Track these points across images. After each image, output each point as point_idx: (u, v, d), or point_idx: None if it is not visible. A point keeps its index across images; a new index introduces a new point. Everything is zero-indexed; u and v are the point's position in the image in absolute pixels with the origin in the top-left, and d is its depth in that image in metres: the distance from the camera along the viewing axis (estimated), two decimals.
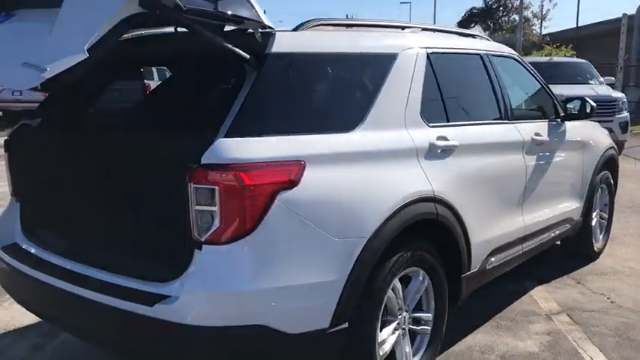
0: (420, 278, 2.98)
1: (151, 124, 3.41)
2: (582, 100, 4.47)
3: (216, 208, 2.19)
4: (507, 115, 3.79)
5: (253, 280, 2.23)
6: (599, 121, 10.88)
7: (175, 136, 2.54)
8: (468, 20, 45.56)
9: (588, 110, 4.45)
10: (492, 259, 3.54)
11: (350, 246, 2.47)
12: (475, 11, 45.86)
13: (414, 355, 3.02)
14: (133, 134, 3.08)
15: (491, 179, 3.47)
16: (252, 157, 2.23)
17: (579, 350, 3.52)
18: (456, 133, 3.21)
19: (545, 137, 4.07)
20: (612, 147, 5.25)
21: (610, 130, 11.01)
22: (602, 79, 12.89)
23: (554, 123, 4.36)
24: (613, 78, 12.99)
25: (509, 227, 3.70)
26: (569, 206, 4.55)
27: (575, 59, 16.27)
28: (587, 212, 4.87)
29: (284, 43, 2.53)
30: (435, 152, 3.03)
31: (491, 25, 44.63)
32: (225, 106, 2.39)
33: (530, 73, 4.39)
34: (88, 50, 2.01)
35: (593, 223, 5.13)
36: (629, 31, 22.67)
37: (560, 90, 11.54)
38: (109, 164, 2.84)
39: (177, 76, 4.18)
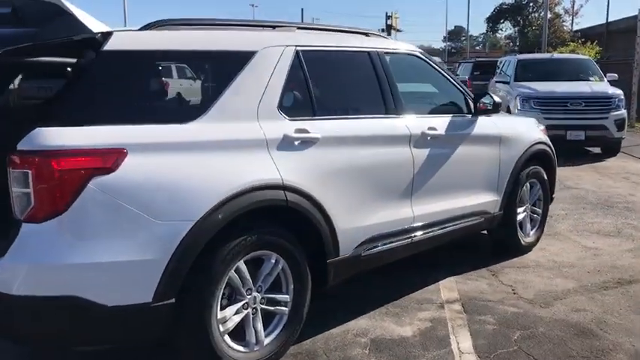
0: (273, 261, 3.18)
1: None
2: (488, 95, 4.57)
3: (30, 190, 2.45)
4: (395, 109, 3.93)
5: (67, 255, 2.49)
6: (592, 118, 11.09)
7: (13, 125, 2.80)
8: (497, 17, 44.97)
9: (490, 106, 4.54)
10: (370, 246, 3.71)
11: (173, 228, 2.69)
12: (505, 7, 45.20)
13: (270, 334, 3.23)
14: None
15: (364, 170, 3.63)
16: (64, 144, 2.48)
17: (451, 336, 3.66)
18: (321, 126, 3.39)
19: (441, 131, 4.19)
20: (541, 142, 5.31)
21: (603, 128, 11.07)
22: (602, 75, 12.71)
23: (459, 117, 4.48)
24: (615, 75, 12.74)
25: (392, 217, 3.85)
26: (481, 199, 4.66)
27: (576, 56, 16.03)
28: (508, 206, 4.96)
29: (121, 41, 2.77)
30: (291, 143, 3.22)
31: (521, 21, 43.94)
32: (59, 99, 2.65)
33: (437, 70, 4.51)
34: None
35: (520, 217, 5.21)
36: None
37: (553, 87, 11.69)
38: None
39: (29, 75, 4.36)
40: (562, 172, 9.36)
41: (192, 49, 3.02)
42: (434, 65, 4.50)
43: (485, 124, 4.65)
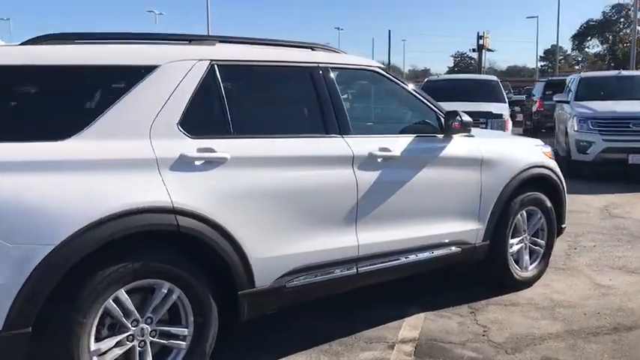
0: (164, 291, 2.94)
1: None
2: (456, 113, 4.12)
3: None
4: (337, 129, 3.60)
5: None
6: None
7: None
8: (583, 33, 42.64)
9: (457, 124, 4.09)
10: (298, 277, 3.38)
11: (29, 252, 2.52)
12: (592, 23, 42.80)
13: None
14: None
15: (289, 194, 3.32)
16: None
17: None
18: (232, 145, 3.14)
19: (397, 152, 3.81)
20: (541, 166, 4.77)
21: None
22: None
23: (425, 138, 4.07)
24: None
25: (329, 245, 3.51)
26: (456, 228, 4.21)
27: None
28: (497, 236, 4.46)
29: None
30: (190, 164, 2.98)
31: (610, 37, 41.43)
32: None
33: (401, 87, 4.13)
34: None
35: (514, 249, 4.68)
36: None
37: (615, 106, 10.80)
38: None
39: None
40: (615, 199, 8.58)
41: (73, 63, 2.87)
42: (397, 82, 4.12)
43: (461, 145, 4.21)
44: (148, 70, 3.00)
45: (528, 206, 4.74)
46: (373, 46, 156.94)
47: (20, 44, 2.86)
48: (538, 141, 5.18)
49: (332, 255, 3.53)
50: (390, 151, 3.78)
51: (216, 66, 3.22)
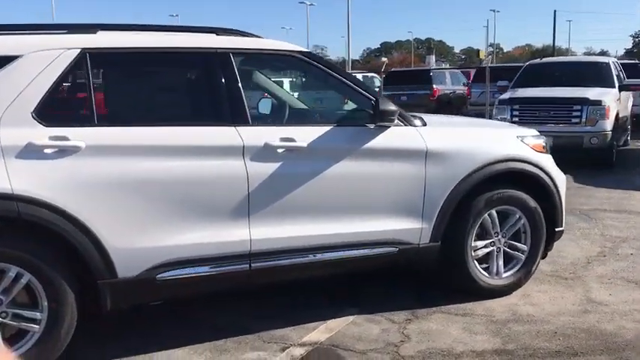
0: (11, 274, 3.02)
1: None
2: (384, 100, 3.71)
3: None
4: (229, 117, 3.44)
5: None
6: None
7: None
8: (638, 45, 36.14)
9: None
10: (173, 269, 3.31)
11: None
12: None
13: (18, 350, 3.08)
14: None
15: (159, 184, 3.24)
16: None
17: None
18: (91, 134, 3.13)
19: (304, 143, 3.55)
20: (516, 159, 4.17)
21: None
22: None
23: (347, 128, 3.76)
24: None
25: (213, 239, 3.38)
26: (389, 226, 3.83)
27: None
28: (453, 237, 4.01)
29: None
30: (38, 152, 3.03)
31: None
32: None
33: (330, 74, 3.82)
34: None
35: (478, 252, 4.17)
36: None
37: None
38: None
39: None
40: None
41: None
42: (324, 68, 3.82)
43: (396, 136, 3.81)
44: (8, 60, 3.09)
45: (500, 205, 4.18)
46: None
47: None
48: (527, 130, 4.54)
49: (216, 249, 3.40)
50: (294, 141, 3.53)
51: (88, 54, 3.22)
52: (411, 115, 4.03)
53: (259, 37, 3.83)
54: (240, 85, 3.51)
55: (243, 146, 3.42)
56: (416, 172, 3.87)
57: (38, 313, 3.10)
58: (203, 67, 3.49)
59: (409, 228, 3.89)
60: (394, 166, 3.82)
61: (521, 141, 4.31)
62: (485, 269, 4.23)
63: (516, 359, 3.34)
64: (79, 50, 3.22)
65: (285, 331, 3.73)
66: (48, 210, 3.01)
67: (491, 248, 4.23)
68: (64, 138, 3.08)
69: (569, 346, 3.48)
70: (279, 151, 3.51)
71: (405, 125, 3.89)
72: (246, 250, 3.47)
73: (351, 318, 3.92)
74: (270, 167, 3.49)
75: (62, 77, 3.15)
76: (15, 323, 3.08)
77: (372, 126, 3.77)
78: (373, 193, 3.80)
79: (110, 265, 3.17)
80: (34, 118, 3.07)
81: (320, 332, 3.71)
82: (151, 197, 3.24)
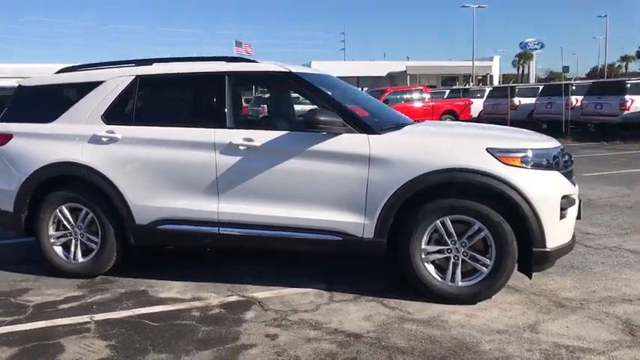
0: (86, 210, 5.11)
1: None
2: (314, 112, 4.39)
3: None
4: (211, 123, 4.78)
5: None
6: None
7: None
8: None
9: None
10: (166, 223, 4.89)
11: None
12: None
13: None
14: None
15: (160, 165, 4.83)
16: None
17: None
18: (127, 130, 4.97)
19: (258, 143, 4.61)
20: (473, 171, 4.17)
21: None
22: None
23: (299, 133, 4.59)
24: None
25: (193, 207, 4.80)
26: (332, 217, 4.48)
27: None
28: (400, 237, 4.42)
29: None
30: (99, 140, 5.02)
31: None
32: None
33: (307, 90, 4.84)
34: None
35: (429, 256, 4.38)
36: None
37: None
38: None
39: None
40: None
41: (70, 82, 5.34)
42: (303, 85, 4.86)
43: (344, 141, 4.46)
44: (98, 84, 5.18)
45: (453, 214, 4.29)
46: None
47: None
48: (507, 142, 4.35)
49: (196, 215, 4.81)
50: (252, 141, 4.65)
51: (138, 79, 5.07)
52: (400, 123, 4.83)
53: (256, 61, 5.03)
54: (225, 98, 4.82)
55: (214, 143, 4.73)
56: (359, 173, 4.43)
57: (98, 239, 5.12)
58: (207, 85, 4.93)
59: (352, 222, 4.47)
60: (337, 166, 4.47)
61: (490, 153, 4.26)
62: (442, 274, 4.40)
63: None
64: (134, 76, 5.09)
65: (248, 286, 4.84)
66: (97, 175, 4.98)
67: (448, 255, 4.37)
68: (112, 132, 5.00)
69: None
70: (241, 148, 4.67)
71: (357, 132, 4.48)
72: (215, 219, 4.77)
73: (307, 290, 4.74)
74: (232, 160, 4.70)
75: (121, 94, 5.08)
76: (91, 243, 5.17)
77: (324, 132, 4.52)
78: (318, 187, 4.54)
79: (130, 214, 4.95)
80: (102, 119, 5.08)
81: (269, 292, 4.70)
82: (156, 173, 4.88)
